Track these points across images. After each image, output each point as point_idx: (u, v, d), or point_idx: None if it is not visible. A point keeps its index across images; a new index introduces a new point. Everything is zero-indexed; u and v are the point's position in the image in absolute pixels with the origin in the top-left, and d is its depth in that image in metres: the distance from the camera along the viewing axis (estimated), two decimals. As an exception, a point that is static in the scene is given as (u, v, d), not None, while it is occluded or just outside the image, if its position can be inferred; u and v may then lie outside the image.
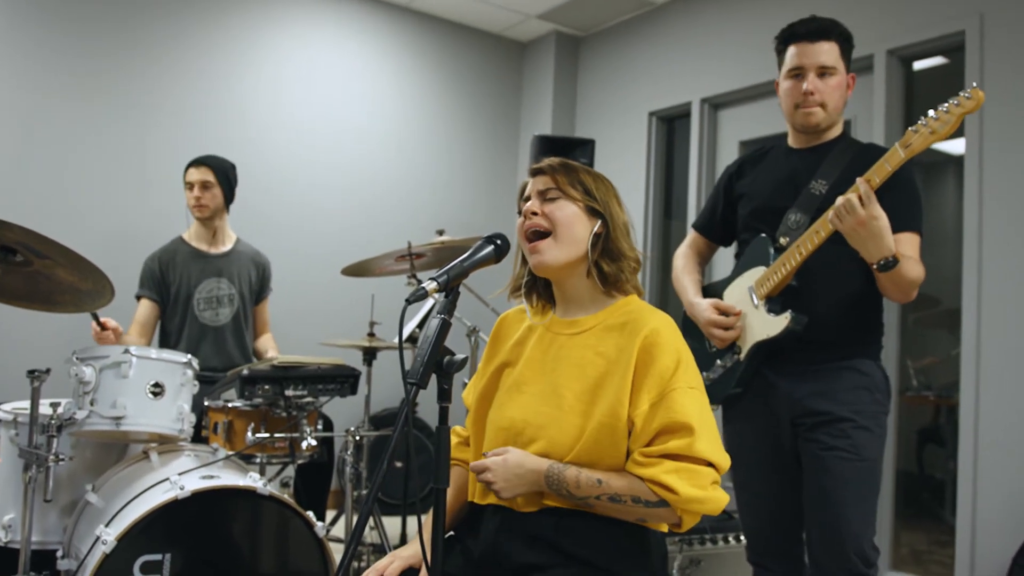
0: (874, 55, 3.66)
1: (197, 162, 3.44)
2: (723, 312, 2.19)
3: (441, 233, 3.55)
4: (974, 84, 1.77)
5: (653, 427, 1.43)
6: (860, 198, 1.86)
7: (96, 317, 2.74)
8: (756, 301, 2.14)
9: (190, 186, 3.41)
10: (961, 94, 1.76)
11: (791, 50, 2.16)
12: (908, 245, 2.05)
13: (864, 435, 2.03)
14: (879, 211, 1.86)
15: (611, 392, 1.48)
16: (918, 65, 3.72)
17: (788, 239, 2.10)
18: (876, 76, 3.66)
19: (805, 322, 2.04)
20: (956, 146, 3.51)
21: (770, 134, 4.18)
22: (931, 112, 1.81)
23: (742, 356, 2.17)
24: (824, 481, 2.03)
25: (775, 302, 2.11)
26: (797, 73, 2.14)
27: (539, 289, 1.68)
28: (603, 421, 1.46)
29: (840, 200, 1.89)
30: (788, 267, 2.06)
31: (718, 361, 2.24)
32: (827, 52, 2.11)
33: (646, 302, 1.64)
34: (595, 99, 5.27)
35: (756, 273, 2.16)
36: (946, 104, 1.79)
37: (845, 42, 2.15)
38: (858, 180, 1.88)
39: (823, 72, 2.11)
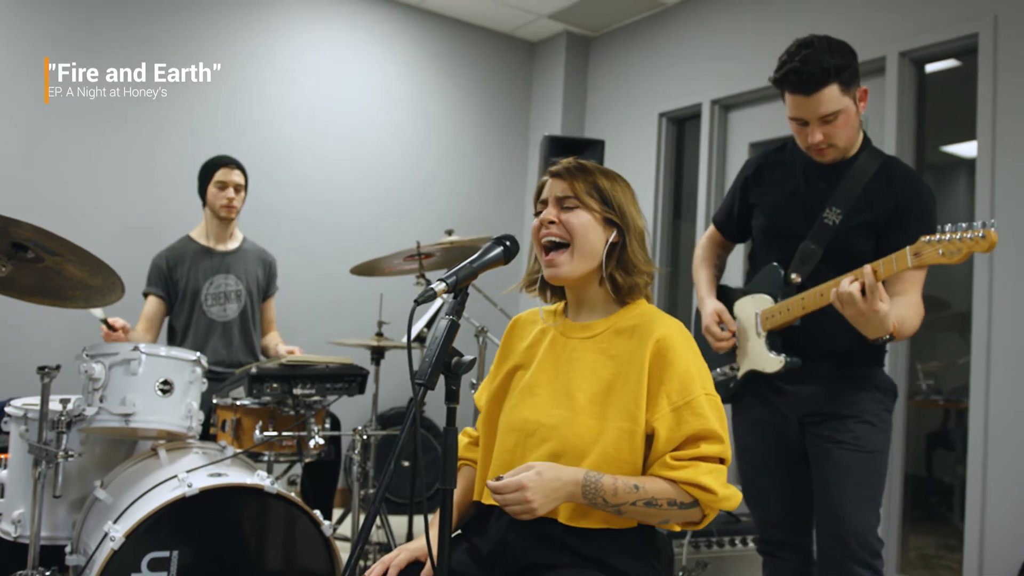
0: (886, 57, 3.64)
1: (232, 163, 3.47)
2: (723, 323, 2.26)
3: (450, 233, 3.55)
4: (993, 225, 1.73)
5: (683, 433, 1.45)
6: (863, 289, 1.86)
7: (106, 321, 2.77)
8: (760, 330, 2.19)
9: (222, 185, 3.43)
10: (976, 229, 1.74)
11: (789, 98, 2.06)
12: (913, 283, 2.04)
13: (867, 429, 2.09)
14: (879, 305, 1.85)
15: (625, 396, 1.49)
16: (931, 67, 3.70)
17: (800, 275, 2.13)
18: (888, 78, 3.64)
19: (799, 365, 2.11)
20: (968, 149, 3.49)
21: (780, 135, 4.16)
22: (948, 230, 1.77)
23: (739, 375, 2.25)
24: (827, 472, 2.09)
25: (775, 338, 2.17)
26: (802, 122, 2.07)
27: (552, 285, 1.69)
28: (622, 427, 1.47)
29: (844, 287, 1.88)
30: (791, 314, 2.10)
31: (718, 368, 2.31)
32: (827, 100, 1.99)
33: (655, 307, 1.64)
34: (605, 100, 5.26)
35: (765, 301, 2.20)
36: (960, 234, 1.76)
37: (843, 73, 2.00)
38: (865, 269, 1.87)
39: (828, 119, 2.02)
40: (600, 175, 1.59)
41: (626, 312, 1.59)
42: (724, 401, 2.26)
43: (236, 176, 3.45)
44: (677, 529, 1.56)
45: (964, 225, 1.76)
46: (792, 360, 2.11)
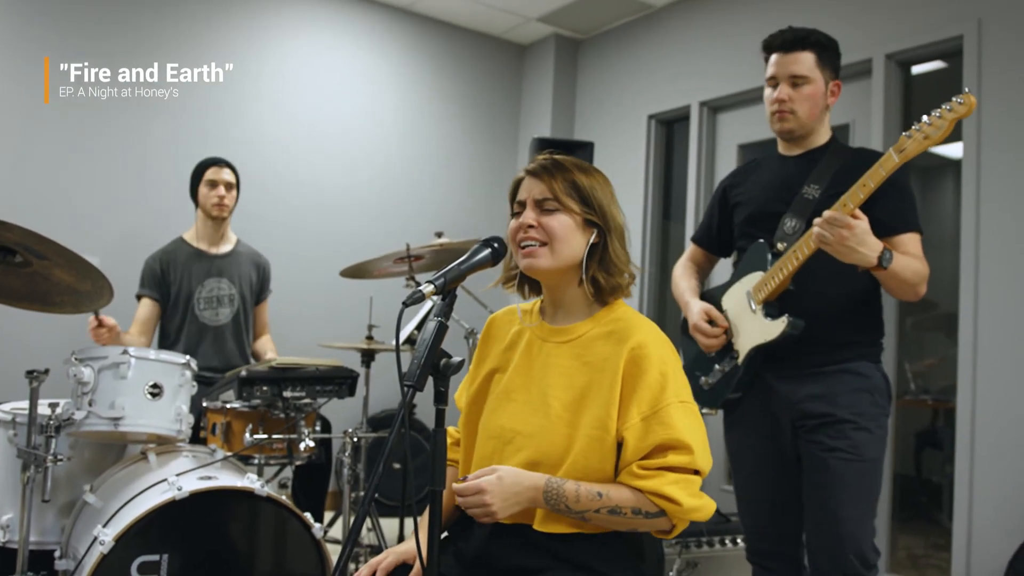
0: (872, 59, 3.67)
1: (221, 162, 3.48)
2: (712, 320, 2.23)
3: (440, 235, 3.55)
4: (966, 89, 1.79)
5: (649, 442, 1.43)
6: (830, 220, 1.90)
7: (96, 314, 2.74)
8: (754, 306, 2.16)
9: (212, 184, 3.43)
10: (954, 99, 1.79)
11: (769, 60, 2.22)
12: (911, 244, 2.08)
13: (864, 436, 2.05)
14: (856, 222, 1.89)
15: (598, 403, 1.47)
16: (916, 69, 3.72)
17: (785, 244, 2.13)
18: (875, 80, 3.66)
19: (802, 326, 2.06)
20: (954, 150, 3.51)
21: (768, 138, 4.18)
22: (925, 117, 1.83)
23: (740, 360, 2.19)
24: (823, 481, 2.05)
25: (772, 307, 2.13)
26: (774, 84, 2.20)
27: (530, 280, 1.66)
28: (592, 435, 1.46)
29: (825, 215, 1.92)
30: (785, 272, 2.08)
31: (716, 366, 2.26)
32: (800, 62, 2.16)
33: (633, 308, 1.62)
34: (594, 102, 5.28)
35: (754, 278, 2.18)
36: (939, 110, 1.81)
37: (823, 51, 2.18)
38: (842, 199, 1.94)
39: (796, 81, 2.16)
40: (578, 172, 1.55)
41: (603, 316, 1.57)
42: (723, 404, 2.26)
43: (226, 175, 3.45)
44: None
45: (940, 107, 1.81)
46: (795, 320, 2.06)
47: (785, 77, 2.16)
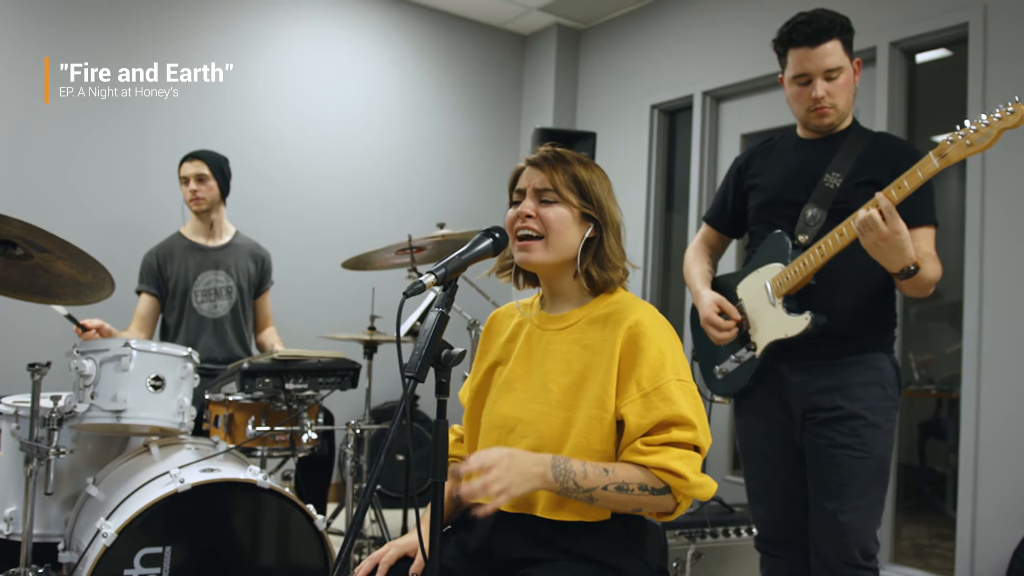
0: (876, 47, 3.64)
1: (190, 156, 3.44)
2: (724, 313, 2.19)
3: (442, 226, 3.54)
4: (1016, 98, 1.71)
5: (652, 418, 1.43)
6: (881, 213, 1.84)
7: (75, 321, 2.73)
8: (774, 299, 2.12)
9: (185, 180, 3.41)
10: (1001, 107, 1.72)
11: (793, 55, 2.10)
12: (925, 240, 2.04)
13: (874, 432, 2.04)
14: (900, 225, 1.84)
15: (596, 384, 1.48)
16: (921, 57, 3.70)
17: (807, 236, 2.09)
18: (879, 68, 3.64)
19: (824, 323, 2.03)
20: (959, 139, 3.49)
21: (772, 127, 4.17)
22: (969, 123, 1.76)
23: (758, 353, 2.15)
24: (832, 476, 2.04)
25: (793, 301, 2.09)
26: (805, 80, 2.10)
27: (525, 272, 1.66)
28: (591, 414, 1.46)
29: (861, 215, 1.86)
30: (809, 267, 2.04)
31: (732, 356, 2.23)
32: (831, 53, 2.05)
33: (630, 293, 1.62)
34: (597, 92, 5.26)
35: (773, 269, 2.13)
36: (986, 117, 1.74)
37: (847, 33, 2.09)
38: (878, 195, 1.85)
39: (830, 75, 2.07)
40: (579, 165, 1.57)
41: (600, 301, 1.58)
42: (736, 393, 2.24)
43: (196, 167, 3.39)
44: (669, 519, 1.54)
45: (987, 114, 1.75)
46: (817, 317, 2.02)
47: (819, 73, 2.06)
